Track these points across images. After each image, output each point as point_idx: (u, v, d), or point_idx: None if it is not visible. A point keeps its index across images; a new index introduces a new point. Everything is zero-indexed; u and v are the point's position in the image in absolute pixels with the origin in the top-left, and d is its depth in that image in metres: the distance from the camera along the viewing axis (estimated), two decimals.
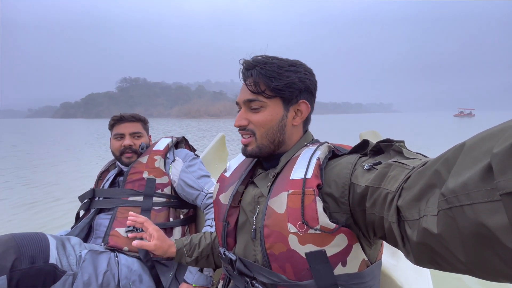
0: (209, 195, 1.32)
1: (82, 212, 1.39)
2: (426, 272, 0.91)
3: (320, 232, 0.58)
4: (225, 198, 0.79)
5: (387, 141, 0.59)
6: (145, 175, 1.32)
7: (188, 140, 1.60)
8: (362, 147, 0.65)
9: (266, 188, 0.71)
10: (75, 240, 1.10)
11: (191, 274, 1.17)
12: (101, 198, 1.34)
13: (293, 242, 0.60)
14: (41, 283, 0.90)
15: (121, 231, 1.21)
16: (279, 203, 0.63)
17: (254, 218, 0.70)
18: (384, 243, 0.73)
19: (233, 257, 0.73)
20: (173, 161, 1.39)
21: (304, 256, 0.60)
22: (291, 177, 0.65)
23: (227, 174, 0.85)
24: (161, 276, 1.21)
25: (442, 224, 0.36)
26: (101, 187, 1.43)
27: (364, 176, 0.56)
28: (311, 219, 0.58)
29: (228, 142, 1.96)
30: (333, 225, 0.58)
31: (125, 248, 1.19)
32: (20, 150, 12.01)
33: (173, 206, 1.35)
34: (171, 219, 1.32)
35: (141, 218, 0.91)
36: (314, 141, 0.76)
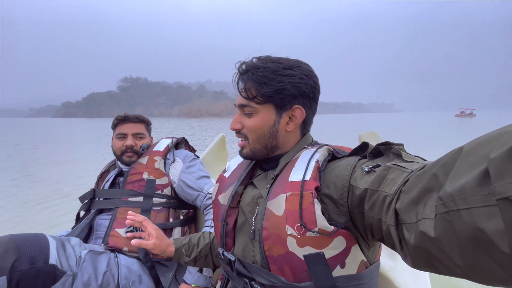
0: (208, 195, 1.33)
1: (82, 213, 1.40)
2: (424, 274, 0.91)
3: (318, 235, 0.58)
4: (224, 199, 0.79)
5: (387, 144, 0.59)
6: (145, 175, 1.32)
7: (188, 140, 1.60)
8: (362, 150, 0.65)
9: (265, 189, 0.71)
10: (75, 240, 1.11)
11: (191, 275, 1.17)
12: (101, 199, 1.34)
13: (292, 245, 0.60)
14: (41, 283, 0.90)
15: (121, 231, 1.21)
16: (278, 205, 0.63)
17: (253, 219, 0.70)
18: (382, 244, 0.73)
19: (232, 258, 0.73)
20: (173, 161, 1.39)
21: (302, 258, 0.60)
22: (290, 179, 0.65)
23: (226, 175, 0.85)
24: (161, 277, 1.21)
25: (439, 227, 0.36)
26: (101, 188, 1.43)
27: (363, 179, 0.56)
28: (309, 221, 0.58)
29: (229, 141, 1.96)
30: (331, 228, 0.58)
31: (125, 248, 1.20)
32: (24, 149, 12.09)
33: (173, 207, 1.35)
34: (171, 220, 1.32)
35: (140, 217, 0.91)
36: (313, 143, 0.76)
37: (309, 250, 0.59)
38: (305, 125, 0.75)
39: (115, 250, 1.19)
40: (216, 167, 1.80)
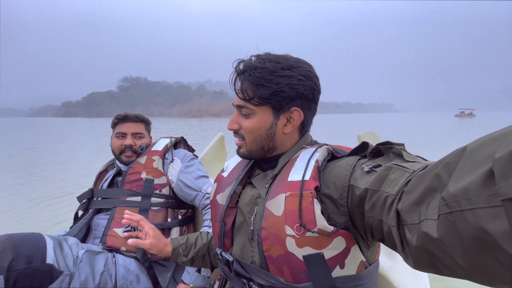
0: (207, 195, 1.32)
1: (80, 212, 1.39)
2: (423, 274, 0.90)
3: (317, 235, 0.57)
4: (222, 199, 0.78)
5: (387, 144, 0.58)
6: (143, 175, 1.32)
7: (188, 140, 1.60)
8: (362, 149, 0.64)
9: (264, 189, 0.70)
10: (73, 240, 1.10)
11: (189, 275, 1.17)
12: (99, 198, 1.34)
13: (291, 245, 0.59)
14: (38, 283, 0.90)
15: (119, 231, 1.21)
16: (277, 205, 0.63)
17: (252, 219, 0.69)
18: (381, 244, 0.72)
19: (230, 258, 0.72)
20: (172, 161, 1.39)
21: (301, 259, 0.59)
22: (289, 179, 0.64)
23: (225, 174, 0.84)
24: (159, 277, 1.20)
25: (442, 228, 0.36)
26: (99, 187, 1.43)
27: (364, 179, 0.55)
28: (308, 221, 0.58)
29: (229, 141, 1.95)
30: (330, 228, 0.57)
31: (123, 248, 1.19)
32: (27, 148, 12.11)
33: (171, 207, 1.34)
34: (169, 220, 1.31)
35: (137, 216, 0.90)
36: (313, 143, 0.75)
37: (309, 250, 0.58)
38: (304, 127, 0.74)
39: (113, 250, 1.19)
40: (215, 166, 1.79)
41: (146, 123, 1.47)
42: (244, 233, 0.72)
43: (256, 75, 0.66)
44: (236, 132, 0.74)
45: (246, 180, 0.78)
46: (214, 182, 0.86)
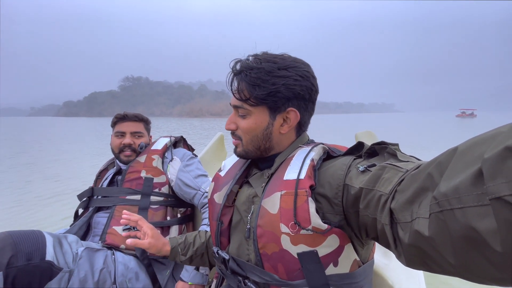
0: (206, 194, 1.33)
1: (81, 211, 1.40)
2: (418, 272, 0.91)
3: (312, 233, 0.58)
4: (219, 197, 0.79)
5: (382, 144, 0.59)
6: (143, 174, 1.33)
7: (188, 139, 1.60)
8: (357, 149, 0.65)
9: (261, 188, 0.71)
10: (72, 237, 1.11)
11: (187, 272, 1.17)
12: (99, 197, 1.35)
13: (286, 242, 0.60)
14: (37, 280, 0.90)
15: (119, 229, 1.22)
16: (272, 203, 0.63)
17: (249, 217, 0.70)
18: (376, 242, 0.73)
19: (226, 257, 0.73)
20: (171, 160, 1.40)
21: (296, 256, 0.60)
22: (285, 178, 0.65)
23: (222, 174, 0.85)
24: (158, 274, 1.21)
25: (433, 227, 0.36)
26: (99, 186, 1.44)
27: (358, 178, 0.56)
28: (303, 219, 0.58)
29: (228, 140, 1.96)
30: (325, 226, 0.58)
31: (122, 246, 1.20)
32: (31, 147, 12.15)
33: (171, 205, 1.35)
34: (168, 218, 1.32)
35: (135, 216, 0.91)
36: (309, 142, 0.76)
37: (303, 248, 0.59)
38: (301, 126, 0.74)
39: (112, 247, 1.19)
40: (214, 166, 1.80)
41: (146, 122, 1.48)
42: (240, 231, 0.72)
43: (252, 75, 0.66)
44: (233, 133, 0.75)
45: (243, 179, 0.79)
46: (212, 181, 0.87)
